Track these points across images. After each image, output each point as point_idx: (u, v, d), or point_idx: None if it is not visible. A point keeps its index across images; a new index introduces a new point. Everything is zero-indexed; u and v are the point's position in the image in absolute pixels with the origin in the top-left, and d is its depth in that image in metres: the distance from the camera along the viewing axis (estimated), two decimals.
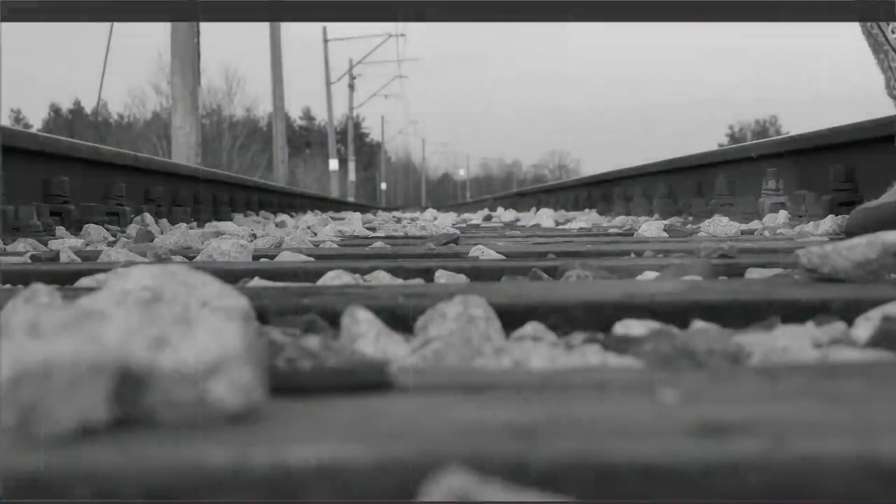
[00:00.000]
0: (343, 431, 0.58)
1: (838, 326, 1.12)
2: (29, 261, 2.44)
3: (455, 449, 0.54)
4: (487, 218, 7.68)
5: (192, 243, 3.16)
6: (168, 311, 0.63)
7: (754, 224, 4.48)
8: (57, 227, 4.22)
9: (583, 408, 0.65)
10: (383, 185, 65.91)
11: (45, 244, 3.23)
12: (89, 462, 0.52)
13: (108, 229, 4.33)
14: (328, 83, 38.20)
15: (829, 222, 3.67)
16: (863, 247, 1.40)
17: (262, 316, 1.20)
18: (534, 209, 9.08)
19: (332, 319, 1.15)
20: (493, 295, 1.25)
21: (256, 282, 1.69)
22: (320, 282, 1.66)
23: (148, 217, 5.35)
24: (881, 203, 2.79)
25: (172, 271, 0.97)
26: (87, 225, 4.07)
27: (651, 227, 3.56)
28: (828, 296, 1.25)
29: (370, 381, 0.72)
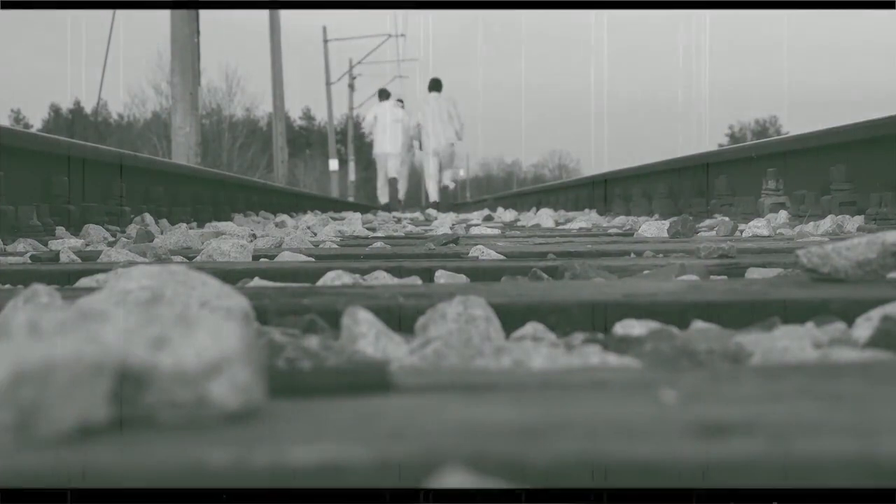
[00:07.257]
0: (343, 431, 0.58)
1: (838, 326, 1.12)
2: (29, 261, 2.44)
3: (455, 449, 0.54)
4: (488, 218, 7.69)
5: (192, 243, 3.16)
6: (168, 311, 0.63)
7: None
8: (57, 227, 4.21)
9: (583, 408, 0.65)
10: None
11: (45, 244, 3.22)
12: (89, 462, 0.52)
13: (108, 229, 4.32)
14: (328, 83, 38.17)
15: (828, 222, 3.68)
16: (863, 247, 1.40)
17: (262, 316, 1.20)
18: (534, 209, 9.08)
19: (332, 320, 1.15)
20: (493, 295, 1.25)
21: (256, 282, 1.69)
22: (320, 282, 1.66)
23: (148, 217, 5.35)
24: None
25: (172, 271, 0.97)
26: (87, 225, 4.07)
27: (651, 227, 3.56)
28: (828, 296, 1.25)
29: (370, 381, 0.72)
